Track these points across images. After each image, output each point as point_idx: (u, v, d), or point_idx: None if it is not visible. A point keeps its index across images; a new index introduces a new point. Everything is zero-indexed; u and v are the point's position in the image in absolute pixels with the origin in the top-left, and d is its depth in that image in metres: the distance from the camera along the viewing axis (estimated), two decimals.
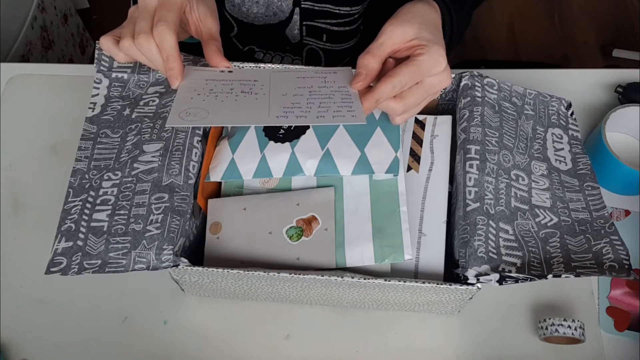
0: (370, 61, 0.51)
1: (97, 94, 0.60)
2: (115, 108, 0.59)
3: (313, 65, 0.76)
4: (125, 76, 0.61)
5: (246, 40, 0.76)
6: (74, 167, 0.55)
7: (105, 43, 0.54)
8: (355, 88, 0.51)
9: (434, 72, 0.50)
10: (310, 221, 0.55)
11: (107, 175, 0.55)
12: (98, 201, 0.53)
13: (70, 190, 0.54)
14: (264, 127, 0.59)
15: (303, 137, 0.57)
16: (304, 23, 0.71)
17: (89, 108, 0.59)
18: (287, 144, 0.57)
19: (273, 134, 0.58)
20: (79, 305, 0.63)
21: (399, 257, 0.53)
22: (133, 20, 0.52)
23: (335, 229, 0.55)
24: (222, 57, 0.55)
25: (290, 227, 0.55)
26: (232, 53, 0.77)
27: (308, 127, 0.57)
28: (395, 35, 0.51)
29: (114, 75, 0.61)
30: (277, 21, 0.71)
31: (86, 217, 0.52)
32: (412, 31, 0.51)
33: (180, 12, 0.52)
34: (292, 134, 0.57)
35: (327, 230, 0.55)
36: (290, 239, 0.55)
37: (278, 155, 0.56)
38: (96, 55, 0.61)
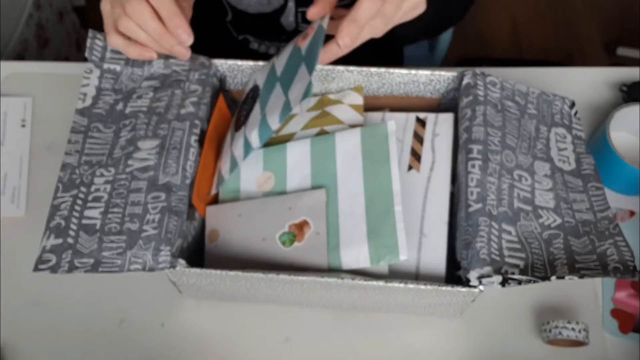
0: None
1: (88, 84, 0.58)
2: (108, 102, 0.57)
3: None
4: (118, 68, 0.59)
5: (241, 29, 0.75)
6: (63, 162, 0.54)
7: (114, 40, 0.52)
8: (311, 16, 0.50)
9: None
10: (302, 226, 0.54)
11: (99, 172, 0.53)
12: (90, 198, 0.52)
13: (59, 185, 0.52)
14: (235, 119, 0.60)
15: (252, 113, 0.57)
16: (300, 10, 0.70)
17: (79, 99, 0.57)
18: (243, 127, 0.57)
19: (239, 124, 0.58)
20: (75, 308, 0.62)
21: (394, 257, 0.52)
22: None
23: (327, 232, 0.54)
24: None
25: (284, 233, 0.55)
26: (227, 41, 0.76)
27: (255, 102, 0.57)
28: None
29: (105, 66, 0.59)
30: (272, 10, 0.70)
31: (77, 214, 0.51)
32: None
33: None
34: (247, 116, 0.57)
35: (319, 234, 0.54)
36: (283, 245, 0.54)
37: (238, 142, 0.56)
38: (88, 44, 0.59)
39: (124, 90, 0.58)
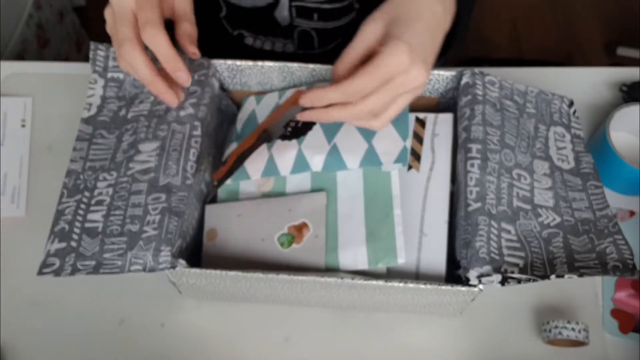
0: (338, 68, 0.48)
1: (93, 95, 0.59)
2: (112, 109, 0.58)
3: (305, 47, 0.75)
4: (122, 76, 0.60)
5: (236, 24, 0.75)
6: (68, 168, 0.54)
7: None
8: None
9: (396, 70, 0.45)
10: (301, 228, 0.54)
11: (102, 176, 0.54)
12: (93, 202, 0.52)
13: (64, 190, 0.53)
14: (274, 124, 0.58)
15: (310, 133, 0.56)
16: (293, 4, 0.70)
17: (85, 109, 0.58)
18: (294, 140, 0.56)
19: (283, 134, 0.57)
20: (75, 308, 0.62)
21: (392, 260, 0.52)
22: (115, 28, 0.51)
23: (326, 235, 0.54)
24: (192, 43, 0.53)
25: (282, 234, 0.55)
26: (222, 36, 0.76)
27: (314, 123, 0.57)
28: (366, 35, 0.47)
29: (109, 75, 0.60)
30: (265, 4, 0.70)
31: (80, 218, 0.51)
32: (381, 28, 0.47)
33: (160, 4, 0.50)
34: (299, 131, 0.57)
35: (318, 236, 0.54)
36: (281, 246, 0.54)
37: (285, 153, 0.55)
38: (91, 56, 0.59)
39: (127, 97, 0.59)
